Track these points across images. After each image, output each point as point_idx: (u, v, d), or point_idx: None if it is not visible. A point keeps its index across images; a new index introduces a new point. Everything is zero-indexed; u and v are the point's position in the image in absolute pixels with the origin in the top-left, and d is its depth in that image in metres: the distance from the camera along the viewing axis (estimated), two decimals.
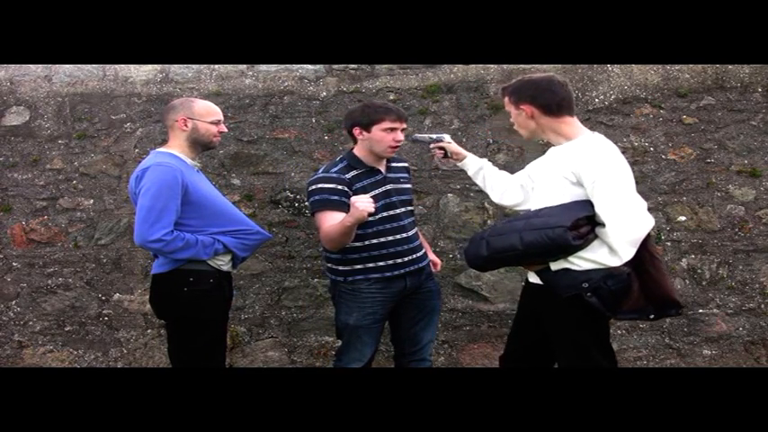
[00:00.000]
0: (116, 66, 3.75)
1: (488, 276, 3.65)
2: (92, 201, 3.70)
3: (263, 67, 3.74)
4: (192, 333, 2.64)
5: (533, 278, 2.50)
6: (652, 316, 2.35)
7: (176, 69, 3.75)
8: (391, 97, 3.69)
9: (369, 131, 2.78)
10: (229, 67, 3.73)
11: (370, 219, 2.71)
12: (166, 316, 2.73)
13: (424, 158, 3.64)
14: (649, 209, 3.64)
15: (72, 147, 3.73)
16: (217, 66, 3.73)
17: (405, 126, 2.82)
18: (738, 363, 3.61)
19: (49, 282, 3.72)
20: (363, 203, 2.57)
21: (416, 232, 2.95)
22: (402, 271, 2.82)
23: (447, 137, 2.96)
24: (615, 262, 2.27)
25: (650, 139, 3.64)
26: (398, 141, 2.79)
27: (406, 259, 2.83)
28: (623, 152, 3.63)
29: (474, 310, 3.67)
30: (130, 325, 3.71)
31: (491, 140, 3.66)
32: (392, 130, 2.76)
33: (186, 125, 2.71)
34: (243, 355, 3.71)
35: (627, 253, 2.26)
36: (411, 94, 3.71)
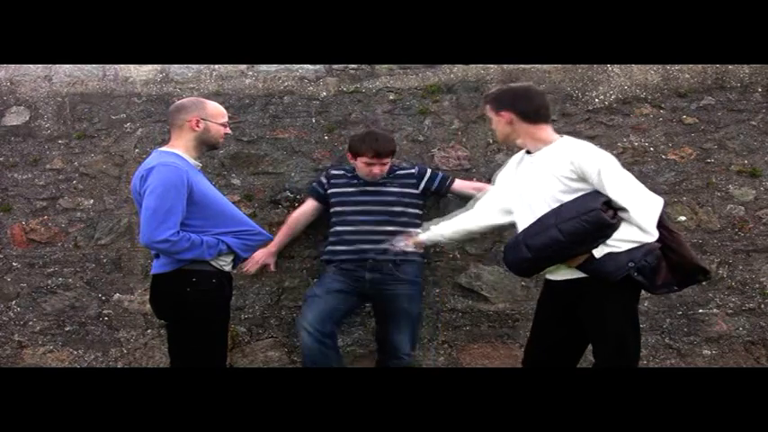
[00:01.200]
0: (116, 66, 3.74)
1: (488, 276, 3.65)
2: (92, 201, 3.70)
3: (263, 67, 3.74)
4: (193, 333, 2.63)
5: (559, 275, 2.56)
6: (676, 288, 2.52)
7: (176, 69, 3.75)
8: (391, 97, 3.69)
9: (355, 159, 3.29)
10: (229, 67, 3.73)
11: (338, 209, 3.33)
12: (168, 316, 2.73)
13: (423, 158, 3.64)
14: None
15: (72, 147, 3.72)
16: (217, 66, 3.73)
17: (386, 161, 3.24)
18: (738, 363, 3.61)
19: (49, 282, 3.72)
20: (254, 259, 3.40)
21: (388, 230, 3.19)
22: (360, 257, 3.23)
23: (416, 234, 3.10)
24: (649, 238, 2.41)
25: (650, 139, 3.63)
26: (375, 174, 3.25)
27: (363, 247, 3.24)
28: (623, 152, 3.67)
29: (474, 310, 3.67)
30: (130, 325, 3.71)
31: (491, 140, 3.66)
32: (369, 164, 3.24)
33: (198, 125, 2.71)
34: (243, 355, 3.71)
35: (654, 228, 2.42)
36: (411, 94, 3.71)
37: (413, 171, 3.41)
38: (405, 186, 3.35)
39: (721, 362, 3.61)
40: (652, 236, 2.42)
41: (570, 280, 2.52)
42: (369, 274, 3.25)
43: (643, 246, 2.41)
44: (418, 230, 3.12)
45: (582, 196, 2.45)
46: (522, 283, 3.62)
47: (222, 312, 2.74)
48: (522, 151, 2.72)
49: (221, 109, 2.81)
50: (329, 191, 3.40)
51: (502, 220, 2.83)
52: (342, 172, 3.41)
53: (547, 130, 2.63)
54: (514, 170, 2.73)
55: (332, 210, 3.38)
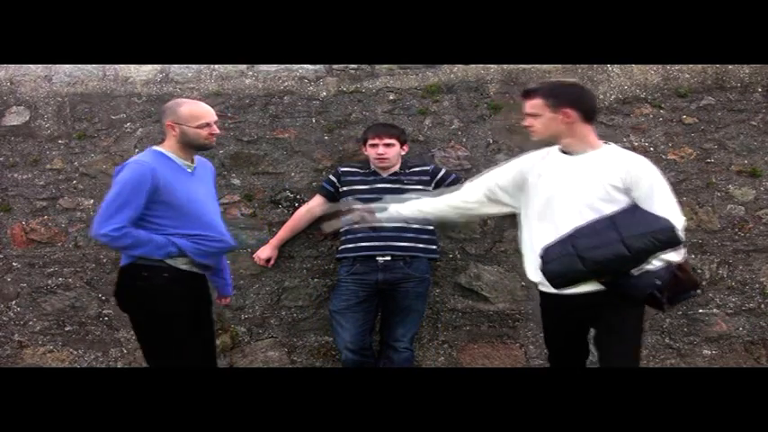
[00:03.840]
0: (116, 66, 3.74)
1: (488, 276, 3.65)
2: (92, 201, 3.70)
3: (263, 67, 3.74)
4: (152, 329, 2.68)
5: (578, 289, 2.42)
6: (669, 305, 2.46)
7: (176, 69, 3.75)
8: (391, 97, 3.69)
9: (365, 148, 3.41)
10: (229, 67, 3.73)
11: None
12: (125, 308, 2.78)
13: (423, 159, 3.64)
14: None
15: (72, 147, 3.72)
16: (217, 66, 3.73)
17: (388, 141, 3.32)
18: (738, 363, 3.61)
19: (49, 282, 3.72)
20: (258, 255, 3.58)
21: (403, 226, 3.19)
22: (373, 253, 3.30)
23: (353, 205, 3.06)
24: (680, 259, 2.40)
25: (650, 139, 3.63)
26: (380, 155, 3.33)
27: (377, 243, 3.29)
28: None
29: (474, 310, 3.67)
30: (130, 325, 3.69)
31: (491, 140, 3.66)
32: (374, 146, 3.35)
33: (174, 129, 2.70)
34: (243, 355, 3.71)
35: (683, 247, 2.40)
36: (411, 94, 3.71)
37: (427, 168, 3.46)
38: (420, 183, 3.39)
39: (721, 362, 3.61)
40: (683, 256, 2.40)
41: (588, 293, 2.41)
42: (381, 275, 3.31)
43: (670, 265, 2.36)
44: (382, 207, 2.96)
45: (641, 211, 2.36)
46: (522, 284, 3.62)
47: (182, 308, 2.68)
48: (553, 149, 2.57)
49: (198, 111, 2.72)
50: (342, 189, 3.43)
51: (485, 209, 2.72)
52: (354, 169, 3.46)
53: (594, 133, 2.54)
54: (540, 167, 2.55)
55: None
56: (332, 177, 3.50)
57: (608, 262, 2.30)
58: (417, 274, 3.33)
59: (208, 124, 2.72)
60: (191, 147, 2.75)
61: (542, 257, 2.41)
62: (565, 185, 2.45)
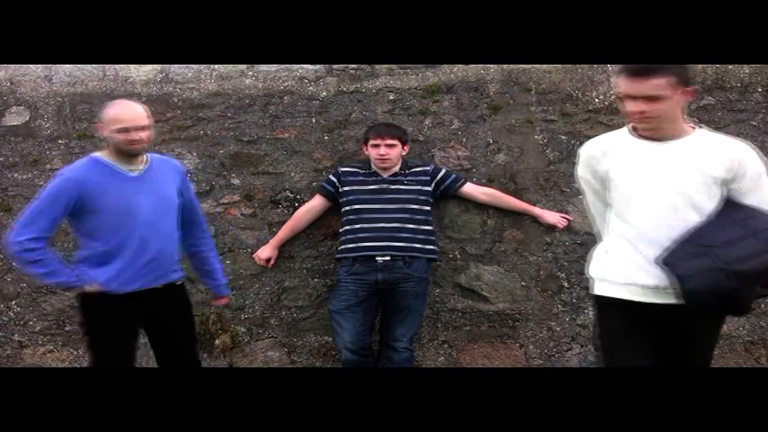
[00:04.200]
0: (116, 66, 3.74)
1: (488, 276, 3.65)
2: None
3: (263, 67, 3.74)
4: (84, 332, 2.74)
5: (659, 299, 2.11)
6: None
7: (176, 69, 3.75)
8: (391, 97, 3.69)
9: (366, 148, 3.42)
10: (229, 67, 3.73)
11: (355, 206, 3.39)
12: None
13: (423, 159, 3.64)
14: None
15: (72, 147, 3.72)
16: (217, 66, 3.73)
17: (390, 142, 3.33)
18: (738, 363, 3.61)
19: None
20: (259, 255, 3.59)
21: (404, 227, 3.33)
22: (373, 253, 3.31)
23: None
24: None
25: None
26: (381, 155, 3.33)
27: (377, 244, 3.32)
28: None
29: (474, 310, 3.67)
30: None
31: (491, 140, 3.66)
32: (375, 146, 3.35)
33: (102, 132, 2.64)
34: (243, 355, 3.71)
35: None
36: (411, 94, 3.71)
37: (427, 168, 3.48)
38: (420, 184, 3.42)
39: (721, 362, 3.61)
40: None
41: (673, 303, 2.08)
42: (380, 275, 3.31)
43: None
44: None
45: (759, 210, 2.07)
46: (522, 284, 3.62)
47: (109, 329, 2.65)
48: (623, 135, 2.25)
49: (119, 114, 2.56)
50: (342, 188, 3.45)
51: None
52: (354, 169, 3.47)
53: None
54: (619, 156, 2.21)
55: (346, 208, 3.44)
56: (332, 177, 3.50)
57: (756, 275, 1.98)
58: (417, 274, 3.34)
59: (126, 129, 2.53)
60: (120, 152, 2.60)
61: (680, 277, 2.02)
62: (662, 177, 2.11)
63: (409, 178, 3.42)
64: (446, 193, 3.52)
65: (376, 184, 3.40)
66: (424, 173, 3.46)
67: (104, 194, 2.56)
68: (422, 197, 3.41)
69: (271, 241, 3.59)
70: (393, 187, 3.38)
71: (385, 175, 3.41)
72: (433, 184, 3.45)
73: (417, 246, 3.35)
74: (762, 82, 3.64)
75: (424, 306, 3.45)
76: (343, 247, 3.43)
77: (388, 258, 3.31)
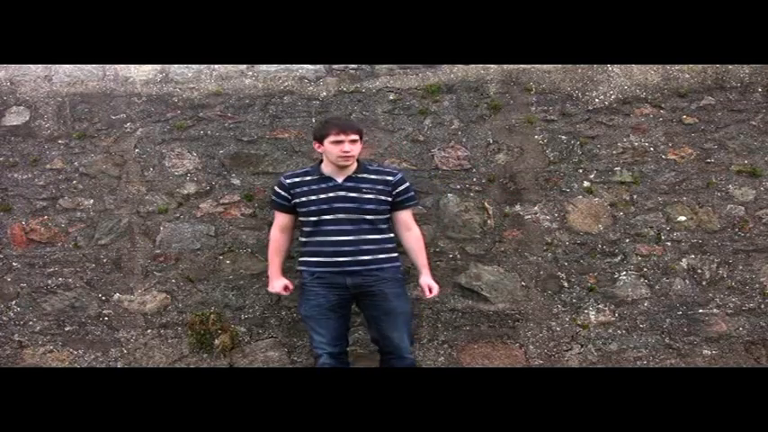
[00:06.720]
0: (116, 66, 3.74)
1: (488, 276, 3.65)
2: (92, 201, 3.70)
3: (263, 67, 3.73)
4: None
5: None
6: None
7: (176, 69, 3.75)
8: (391, 97, 3.69)
9: (322, 144, 3.10)
10: (229, 67, 3.73)
11: (312, 218, 3.10)
12: None
13: (423, 158, 3.64)
14: (649, 209, 3.66)
15: (72, 147, 3.72)
16: (217, 66, 3.72)
17: (354, 137, 3.06)
18: (738, 363, 3.61)
19: (49, 282, 3.72)
20: (274, 289, 3.27)
21: (366, 238, 3.08)
22: (338, 269, 3.08)
23: None
24: None
25: (650, 139, 3.64)
26: (346, 152, 3.03)
27: (341, 259, 3.07)
28: (623, 152, 3.68)
29: (474, 310, 3.67)
30: (130, 325, 3.71)
31: (491, 140, 3.66)
32: (338, 142, 3.04)
33: None
34: (243, 355, 3.71)
35: None
36: (411, 94, 3.70)
37: (390, 179, 3.15)
38: (380, 194, 3.12)
39: (721, 362, 3.61)
40: None
41: None
42: (349, 279, 3.08)
43: None
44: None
45: None
46: (522, 284, 3.62)
47: None
48: None
49: None
50: (295, 200, 3.14)
51: None
52: (300, 178, 3.16)
53: None
54: None
55: (302, 219, 3.16)
56: (280, 191, 3.18)
57: None
58: (387, 275, 3.11)
59: None
60: None
61: None
62: None
63: (369, 186, 3.11)
64: (395, 205, 3.18)
65: (332, 191, 3.09)
66: (386, 182, 3.13)
67: None
68: (381, 207, 3.12)
69: (271, 273, 3.29)
70: (352, 195, 3.08)
71: (340, 179, 3.09)
72: (392, 195, 3.14)
73: (383, 256, 3.11)
74: (762, 82, 3.64)
75: (408, 304, 3.22)
76: (303, 259, 3.18)
77: (348, 268, 3.07)
